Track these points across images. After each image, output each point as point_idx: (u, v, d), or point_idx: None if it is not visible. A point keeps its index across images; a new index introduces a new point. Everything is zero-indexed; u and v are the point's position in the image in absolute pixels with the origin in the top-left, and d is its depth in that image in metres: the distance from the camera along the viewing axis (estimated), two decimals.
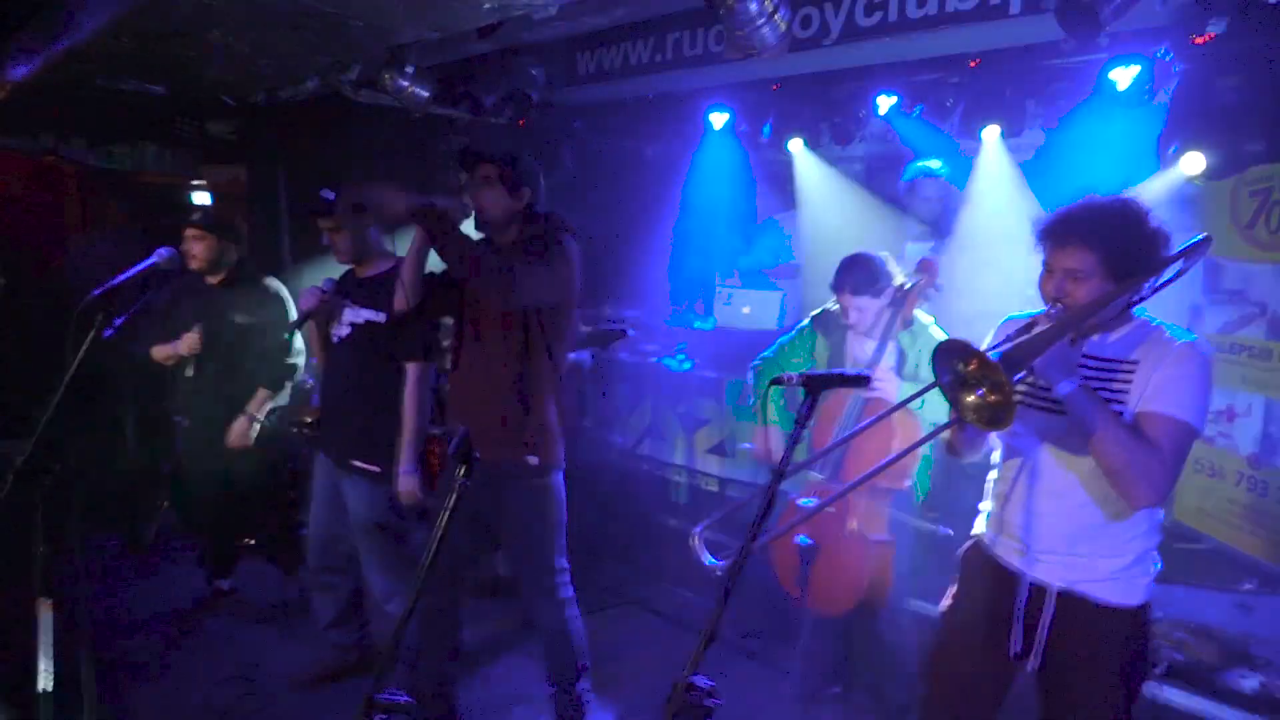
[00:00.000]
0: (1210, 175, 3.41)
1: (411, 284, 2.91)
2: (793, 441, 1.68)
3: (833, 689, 3.67)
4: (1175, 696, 3.04)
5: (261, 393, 4.02)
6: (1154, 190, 3.54)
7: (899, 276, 3.25)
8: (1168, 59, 3.37)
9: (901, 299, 3.20)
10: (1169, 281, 1.98)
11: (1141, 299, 1.98)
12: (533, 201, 2.98)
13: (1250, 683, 3.00)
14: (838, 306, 3.34)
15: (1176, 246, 1.95)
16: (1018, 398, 1.94)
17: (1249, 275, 3.63)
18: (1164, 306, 2.05)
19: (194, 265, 3.93)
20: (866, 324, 3.24)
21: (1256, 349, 3.54)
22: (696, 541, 2.07)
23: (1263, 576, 3.42)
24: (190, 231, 3.92)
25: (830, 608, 3.17)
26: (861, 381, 1.80)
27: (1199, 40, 3.18)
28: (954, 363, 1.80)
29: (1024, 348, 1.83)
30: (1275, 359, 3.46)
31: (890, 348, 3.21)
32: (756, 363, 3.62)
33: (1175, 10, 3.20)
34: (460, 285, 2.96)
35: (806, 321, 3.53)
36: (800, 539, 3.20)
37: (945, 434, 2.21)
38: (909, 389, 3.06)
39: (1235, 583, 3.47)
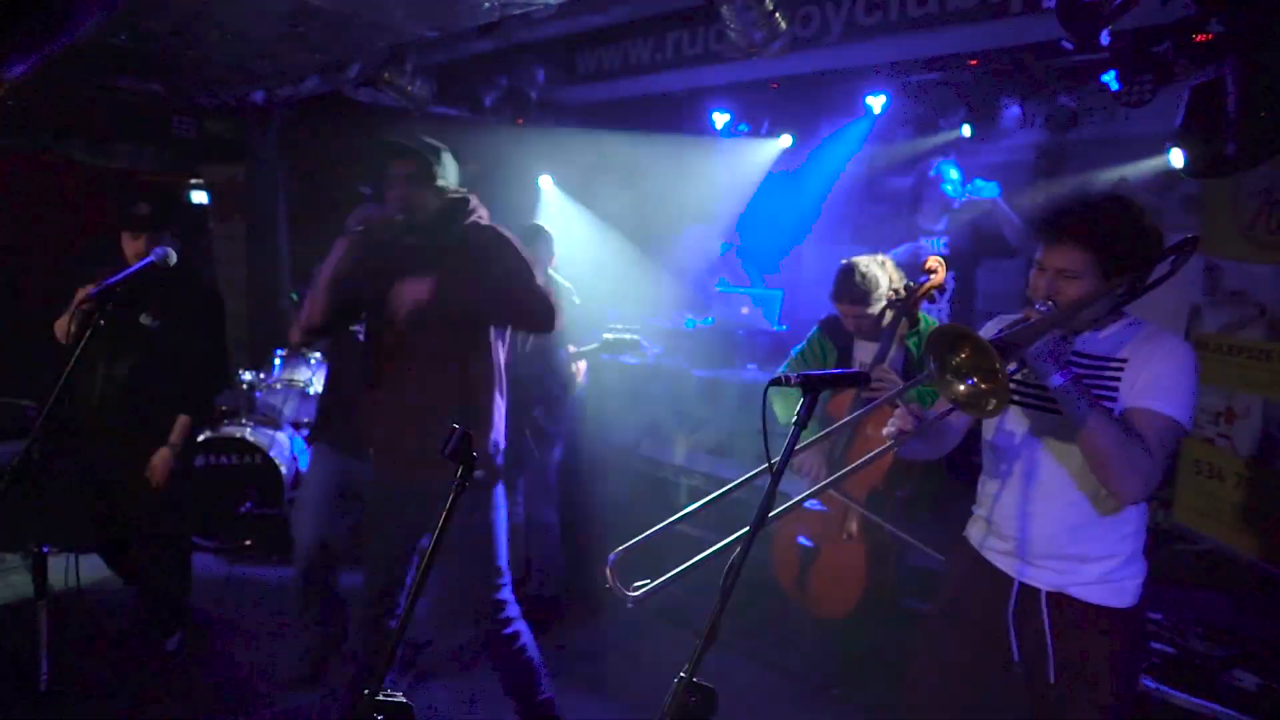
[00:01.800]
0: (1210, 175, 3.40)
1: (329, 304, 2.71)
2: (791, 442, 1.67)
3: (833, 689, 3.67)
4: (1175, 696, 3.04)
5: (180, 420, 3.52)
6: (1153, 188, 3.53)
7: (896, 280, 3.25)
8: (1168, 58, 3.37)
9: (904, 301, 3.20)
10: (1159, 281, 1.98)
11: (1132, 298, 1.98)
12: (455, 189, 2.79)
13: (1250, 683, 2.99)
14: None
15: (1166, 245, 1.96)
16: (1011, 387, 1.93)
17: (1249, 276, 3.62)
18: (1163, 307, 2.05)
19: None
20: (868, 329, 3.24)
21: (1256, 350, 3.54)
22: (610, 573, 1.84)
23: (1262, 577, 3.42)
24: (125, 234, 3.52)
25: (829, 609, 3.17)
26: (860, 380, 1.78)
27: (1199, 39, 3.17)
28: (946, 350, 1.79)
29: (1016, 335, 1.81)
30: (1275, 360, 3.46)
31: (894, 350, 3.21)
32: (775, 377, 3.59)
33: (1176, 9, 3.20)
34: (371, 293, 2.74)
35: (816, 329, 3.53)
36: (801, 540, 3.20)
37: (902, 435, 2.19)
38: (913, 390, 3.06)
39: (1235, 583, 3.47)
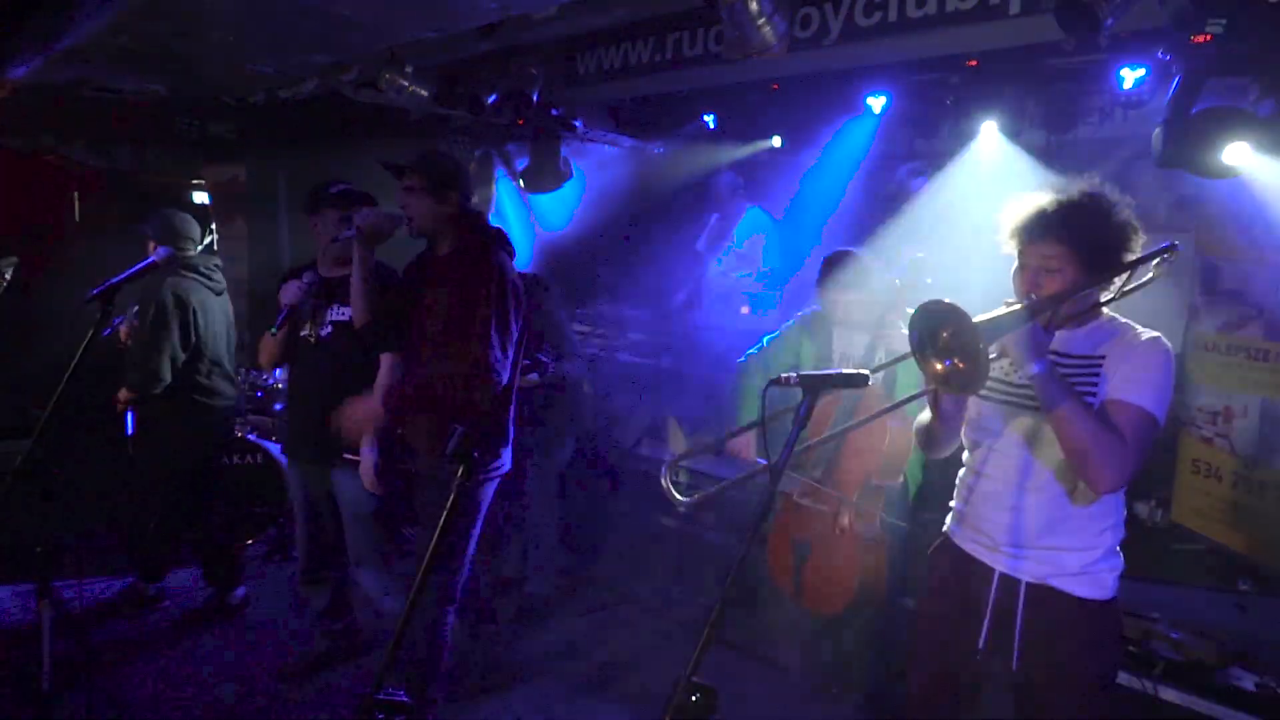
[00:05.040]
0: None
1: (369, 299, 3.05)
2: (791, 441, 1.69)
3: (832, 689, 3.68)
4: (1174, 696, 3.04)
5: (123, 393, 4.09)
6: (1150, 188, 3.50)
7: (885, 276, 3.29)
8: (1167, 59, 3.37)
9: (894, 297, 3.23)
10: (1139, 286, 2.05)
11: (1111, 299, 2.05)
12: (462, 203, 2.99)
13: (1248, 683, 3.00)
14: (820, 308, 3.41)
15: (1146, 248, 2.02)
16: (990, 372, 1.97)
17: (1247, 276, 3.63)
18: (1162, 307, 2.07)
19: None
20: (855, 319, 3.27)
21: (1254, 350, 3.55)
22: (666, 480, 2.12)
23: (1259, 576, 3.43)
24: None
25: (824, 605, 3.18)
26: (861, 381, 1.80)
27: (1198, 40, 3.17)
28: (930, 326, 1.85)
29: (998, 321, 1.87)
30: (1273, 360, 3.46)
31: (882, 345, 3.23)
32: (742, 360, 3.67)
33: (1175, 10, 3.19)
34: (412, 290, 3.04)
35: (792, 322, 3.58)
36: (794, 537, 3.21)
37: (922, 427, 2.25)
38: (901, 386, 3.07)
39: (1233, 583, 3.47)
